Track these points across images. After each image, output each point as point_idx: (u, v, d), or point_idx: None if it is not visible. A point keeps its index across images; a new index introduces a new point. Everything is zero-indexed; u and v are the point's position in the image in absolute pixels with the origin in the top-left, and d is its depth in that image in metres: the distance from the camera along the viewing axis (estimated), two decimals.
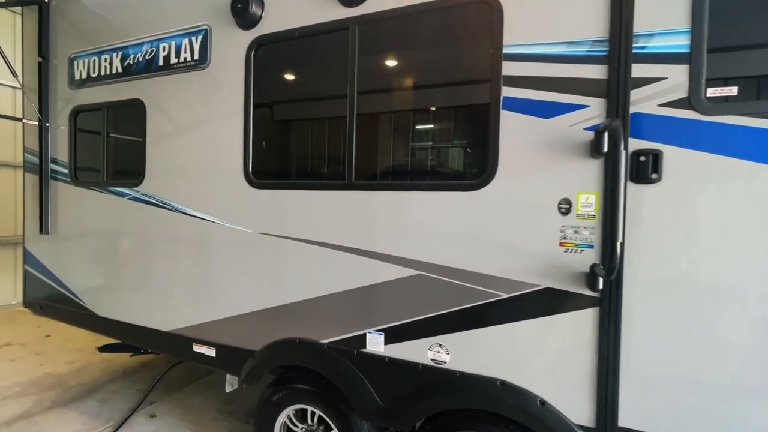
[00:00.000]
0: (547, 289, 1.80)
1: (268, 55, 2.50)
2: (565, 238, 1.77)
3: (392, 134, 2.28)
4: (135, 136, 3.10)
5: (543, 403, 1.82)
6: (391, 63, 2.21)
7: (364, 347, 2.21)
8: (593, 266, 1.68)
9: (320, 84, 2.48)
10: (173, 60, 2.81)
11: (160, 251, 2.93)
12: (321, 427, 2.48)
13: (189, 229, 2.77)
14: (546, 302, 1.81)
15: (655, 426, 1.65)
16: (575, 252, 1.75)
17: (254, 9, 2.41)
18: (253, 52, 2.50)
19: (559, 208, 1.78)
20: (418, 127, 2.21)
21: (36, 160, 3.54)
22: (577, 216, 1.75)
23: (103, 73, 3.16)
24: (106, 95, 3.16)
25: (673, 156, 1.60)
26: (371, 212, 2.17)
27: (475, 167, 2.00)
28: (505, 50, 1.86)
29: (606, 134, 1.60)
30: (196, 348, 2.78)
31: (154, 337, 2.98)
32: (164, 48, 2.85)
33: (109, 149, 3.21)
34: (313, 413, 2.49)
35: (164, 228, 2.89)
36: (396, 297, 2.12)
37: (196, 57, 2.72)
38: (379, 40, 2.18)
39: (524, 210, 1.84)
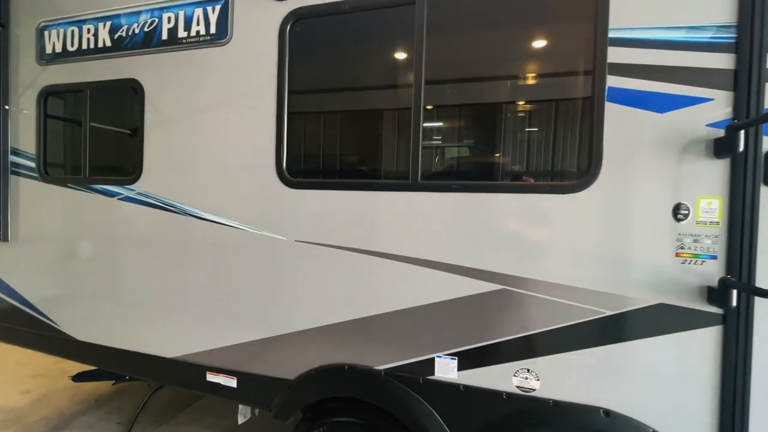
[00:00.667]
0: (660, 306, 1.60)
1: (308, 32, 2.12)
2: (682, 248, 1.57)
3: (467, 129, 1.99)
4: (128, 124, 2.59)
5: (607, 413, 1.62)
6: (467, 46, 1.93)
7: (432, 374, 1.91)
8: (724, 279, 1.49)
9: (375, 69, 2.14)
10: (181, 33, 2.35)
11: (163, 262, 2.45)
12: None
13: (202, 235, 2.32)
14: (658, 320, 1.60)
15: None
16: (695, 263, 1.56)
17: None
18: (289, 27, 2.11)
19: (675, 215, 1.58)
20: (499, 121, 1.94)
21: None
22: (698, 223, 1.55)
23: (85, 46, 2.61)
24: (89, 74, 2.61)
25: None
26: (442, 217, 1.87)
27: (574, 167, 1.76)
28: (611, 34, 1.64)
29: (742, 132, 1.42)
30: (212, 377, 2.33)
31: (154, 366, 2.48)
32: (169, 19, 2.38)
33: (93, 139, 2.66)
34: None
35: (169, 234, 2.42)
36: (473, 315, 1.84)
37: (212, 30, 2.28)
38: (452, 20, 1.88)
39: (632, 216, 1.63)
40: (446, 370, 1.89)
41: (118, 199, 2.54)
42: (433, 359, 1.91)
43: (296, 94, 2.15)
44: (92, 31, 2.58)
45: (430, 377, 1.91)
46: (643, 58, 1.60)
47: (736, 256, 1.49)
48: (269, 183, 2.17)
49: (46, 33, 2.72)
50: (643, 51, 1.60)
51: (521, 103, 1.91)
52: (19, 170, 2.87)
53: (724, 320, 1.53)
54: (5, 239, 2.86)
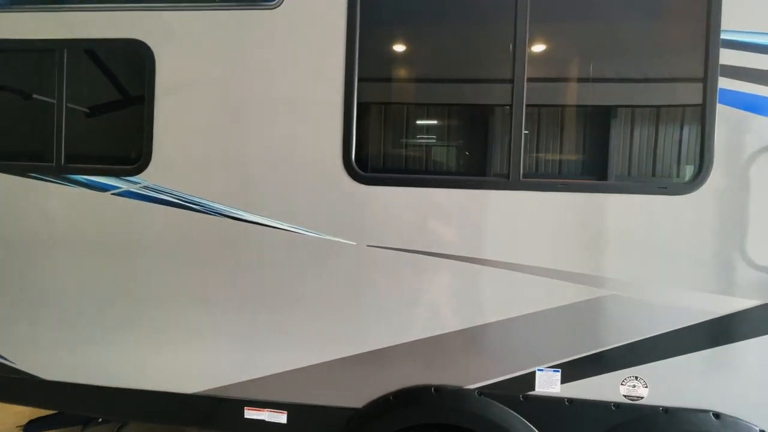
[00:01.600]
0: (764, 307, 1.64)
1: (382, 6, 1.83)
2: None
3: (573, 126, 1.87)
4: (125, 97, 2.02)
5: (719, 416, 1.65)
6: (574, 44, 1.79)
7: (533, 389, 1.75)
8: None
9: (466, 58, 1.90)
10: None
11: (181, 275, 1.94)
12: None
13: (241, 241, 1.88)
14: (766, 319, 1.64)
15: None
16: None
17: None
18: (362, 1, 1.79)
19: None
20: (606, 121, 1.84)
21: None
22: None
23: None
24: (64, 28, 1.97)
25: None
26: (546, 218, 1.73)
27: (685, 169, 1.73)
28: (724, 36, 1.63)
29: None
30: (252, 414, 1.90)
31: (166, 405, 1.96)
32: None
33: (70, 116, 2.01)
34: None
35: (191, 239, 1.92)
36: (579, 324, 1.73)
37: None
38: (558, 10, 1.74)
39: (743, 218, 1.64)
40: (548, 383, 1.75)
41: (113, 194, 1.96)
42: (533, 373, 1.75)
43: (367, 79, 1.84)
44: None
45: (530, 393, 1.76)
46: (755, 62, 1.63)
47: None
48: (334, 177, 1.83)
49: None
50: (755, 55, 1.62)
51: (630, 103, 1.84)
52: None
53: None
54: None
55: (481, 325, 1.77)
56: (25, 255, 2.04)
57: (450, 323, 1.79)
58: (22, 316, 2.05)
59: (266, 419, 1.90)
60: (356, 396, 1.86)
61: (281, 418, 1.89)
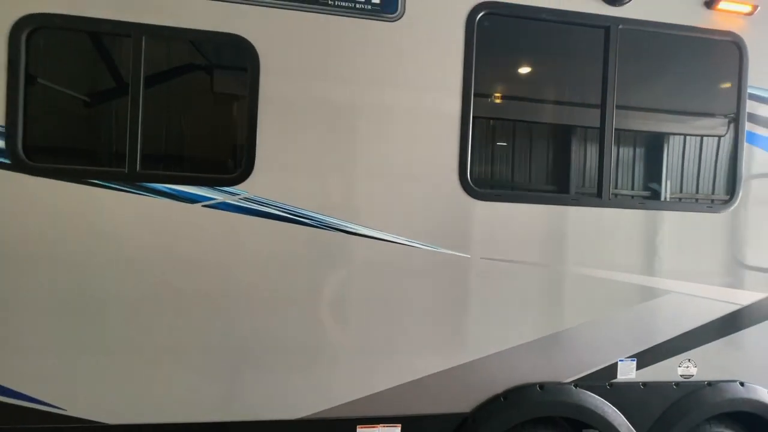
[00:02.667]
0: None
1: (496, 29, 1.94)
2: None
3: (648, 151, 2.19)
4: (222, 96, 1.80)
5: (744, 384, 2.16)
6: (647, 81, 2.11)
7: (615, 377, 2.05)
8: None
9: (564, 84, 2.10)
10: None
11: (284, 292, 1.80)
12: None
13: (357, 256, 1.83)
14: None
15: None
16: None
17: None
18: (477, 19, 1.89)
19: None
20: (666, 148, 2.20)
21: None
22: None
23: None
24: (146, 11, 1.68)
25: None
26: (628, 232, 2.03)
27: (721, 192, 2.17)
28: (750, 90, 2.11)
29: None
30: (364, 431, 1.87)
31: None
32: None
33: (147, 114, 1.71)
34: None
35: (299, 255, 1.80)
36: (650, 319, 2.07)
37: (375, 0, 1.82)
38: (638, 52, 2.05)
39: (759, 230, 2.14)
40: (627, 371, 2.06)
41: (204, 205, 1.74)
42: (616, 363, 2.05)
43: (482, 97, 1.95)
44: None
45: (613, 381, 2.05)
46: None
47: None
48: (450, 192, 1.89)
49: None
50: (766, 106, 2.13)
51: (685, 135, 2.23)
52: None
53: None
54: None
55: (577, 326, 2.01)
56: (81, 281, 1.69)
57: (552, 326, 1.99)
58: (76, 355, 1.69)
59: None
60: (465, 401, 1.95)
61: (395, 431, 1.89)
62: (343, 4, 1.80)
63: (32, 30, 1.64)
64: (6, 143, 1.63)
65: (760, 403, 2.13)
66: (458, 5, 1.88)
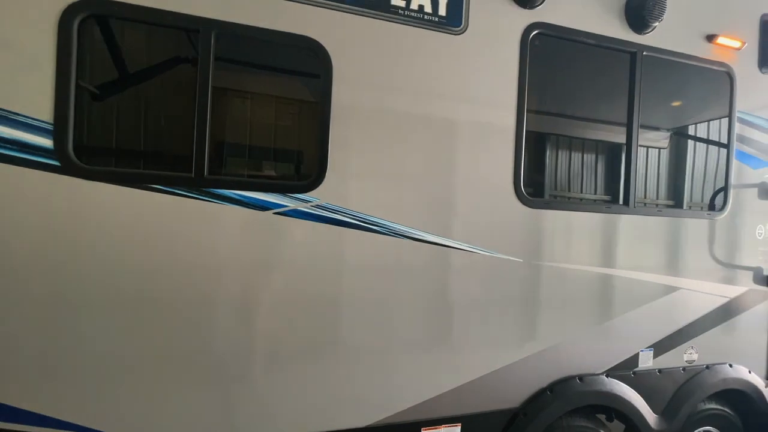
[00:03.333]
0: (751, 290, 2.55)
1: (545, 48, 2.07)
2: (762, 255, 2.56)
3: (667, 164, 2.45)
4: (288, 101, 1.73)
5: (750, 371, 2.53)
6: (661, 105, 2.38)
7: (637, 366, 2.29)
8: None
9: (598, 103, 2.28)
10: (398, 1, 1.80)
11: (356, 300, 1.78)
12: None
13: (421, 262, 1.86)
14: (751, 298, 2.54)
15: None
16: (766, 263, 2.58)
17: None
18: (530, 38, 2.01)
19: (758, 234, 2.55)
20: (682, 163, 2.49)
21: None
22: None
23: None
24: (217, 5, 1.57)
25: None
26: (652, 235, 2.28)
27: (716, 201, 2.50)
28: (738, 114, 2.46)
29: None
30: None
31: None
32: None
33: (208, 112, 1.59)
34: None
35: (369, 261, 1.79)
36: (664, 313, 2.34)
37: (442, 12, 1.86)
38: (658, 78, 2.29)
39: (741, 234, 2.51)
40: (646, 360, 2.31)
41: (276, 213, 1.67)
42: (637, 354, 2.29)
43: (533, 112, 2.07)
44: None
45: (636, 369, 2.29)
46: (750, 133, 2.51)
47: None
48: (506, 202, 2.00)
49: None
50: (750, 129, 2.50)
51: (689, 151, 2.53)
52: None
53: None
54: None
55: (610, 321, 2.22)
56: (134, 292, 1.54)
57: (589, 322, 2.18)
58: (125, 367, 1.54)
59: None
60: (515, 397, 2.07)
61: (455, 431, 1.96)
62: (413, 14, 1.83)
63: (85, 17, 1.47)
64: (54, 143, 1.44)
65: (744, 381, 2.50)
66: (515, 23, 1.98)
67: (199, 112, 1.57)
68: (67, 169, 1.45)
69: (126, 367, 1.53)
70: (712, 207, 2.51)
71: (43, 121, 1.44)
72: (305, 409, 1.74)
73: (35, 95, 1.43)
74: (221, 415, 1.64)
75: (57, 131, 1.44)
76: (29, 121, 1.43)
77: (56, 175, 1.45)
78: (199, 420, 1.61)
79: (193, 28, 1.57)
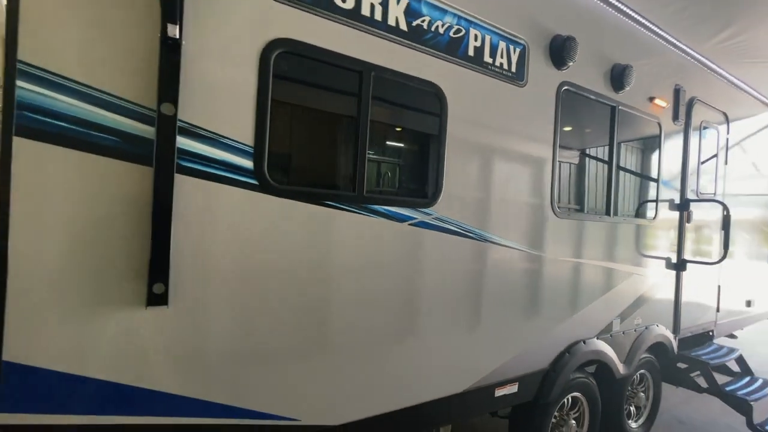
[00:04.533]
0: (665, 274, 3.70)
1: (569, 101, 2.79)
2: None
3: (627, 186, 3.37)
4: (415, 133, 2.09)
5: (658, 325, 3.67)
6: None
7: (612, 330, 3.19)
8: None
9: (597, 139, 3.09)
10: (487, 58, 2.31)
11: (457, 289, 2.25)
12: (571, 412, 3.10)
13: (495, 259, 2.41)
14: (665, 279, 3.69)
15: None
16: None
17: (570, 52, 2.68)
18: (561, 92, 2.71)
19: None
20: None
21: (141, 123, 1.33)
22: None
23: (366, 12, 1.85)
24: (373, 52, 1.87)
25: None
26: (627, 236, 3.20)
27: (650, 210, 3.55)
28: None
29: None
30: (500, 392, 2.47)
31: (443, 409, 2.21)
32: (476, 37, 2.25)
33: (366, 141, 1.87)
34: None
35: (466, 260, 2.27)
36: (625, 292, 3.29)
37: (513, 69, 2.44)
38: (626, 124, 3.22)
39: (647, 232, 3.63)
40: (617, 325, 3.24)
41: (409, 224, 2.04)
42: (612, 321, 3.20)
43: (560, 148, 2.78)
44: None
45: (611, 332, 3.19)
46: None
47: None
48: (546, 214, 2.67)
49: None
50: (666, 162, 3.64)
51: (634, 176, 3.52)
52: (200, 167, 1.50)
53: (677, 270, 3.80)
54: (163, 301, 1.42)
55: (600, 298, 3.06)
56: (313, 290, 1.78)
57: (589, 299, 2.99)
58: (308, 365, 1.77)
59: (507, 393, 2.52)
60: (546, 359, 2.77)
61: (515, 388, 2.56)
62: (496, 69, 2.36)
63: (279, 53, 1.66)
64: (255, 165, 1.62)
65: (664, 335, 3.63)
66: (553, 80, 2.66)
67: (360, 141, 1.88)
68: (263, 187, 1.64)
69: (306, 356, 1.77)
70: (642, 215, 3.59)
71: (245, 144, 1.60)
72: (424, 378, 2.16)
73: (240, 120, 1.59)
74: (369, 384, 1.96)
75: (256, 154, 1.62)
76: (235, 143, 1.58)
77: (255, 192, 1.63)
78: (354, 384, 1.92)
79: (357, 69, 1.86)
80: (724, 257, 3.70)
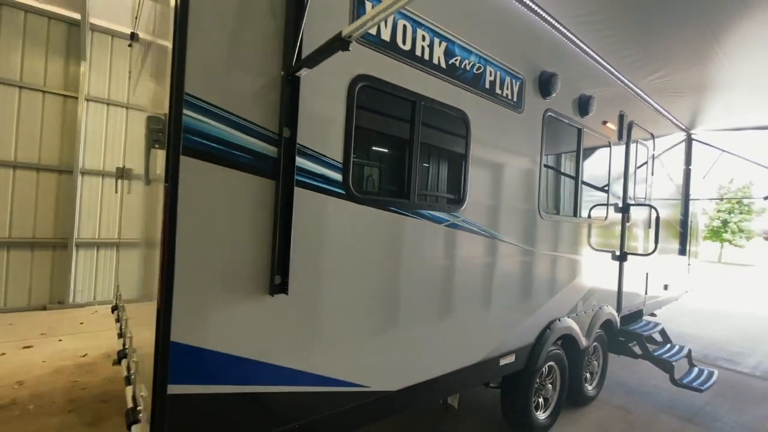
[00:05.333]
0: (611, 263, 4.56)
1: (550, 125, 3.42)
2: None
3: (585, 194, 4.10)
4: (448, 151, 2.54)
5: (607, 306, 4.54)
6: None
7: (577, 310, 3.93)
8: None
9: (570, 154, 3.76)
10: (497, 90, 2.84)
11: (477, 279, 2.75)
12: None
13: (501, 252, 2.96)
14: (611, 267, 4.55)
15: None
16: None
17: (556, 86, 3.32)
18: (546, 117, 3.34)
19: None
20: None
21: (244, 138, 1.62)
22: None
23: (418, 53, 2.26)
24: (422, 86, 2.29)
25: None
26: (577, 235, 3.94)
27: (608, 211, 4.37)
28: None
29: None
30: (503, 361, 3.03)
31: (461, 376, 2.70)
32: (491, 72, 2.77)
33: (418, 158, 2.29)
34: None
35: (483, 254, 2.78)
36: (585, 278, 4.05)
37: (514, 99, 3.00)
38: (589, 143, 3.96)
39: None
40: (580, 306, 3.98)
41: (445, 225, 2.50)
42: (577, 303, 3.93)
43: (545, 165, 3.41)
44: (427, 40, 2.32)
45: (576, 312, 3.92)
46: None
47: None
48: (536, 215, 3.28)
49: (369, 4, 2.01)
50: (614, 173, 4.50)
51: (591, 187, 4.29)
52: (308, 180, 1.82)
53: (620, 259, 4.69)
54: (284, 290, 1.72)
55: (571, 283, 3.77)
56: (383, 283, 2.17)
57: (563, 284, 3.67)
58: (374, 341, 2.15)
59: (508, 362, 3.09)
60: (532, 335, 3.39)
61: (513, 358, 3.14)
62: (504, 99, 2.91)
63: (359, 87, 2.03)
64: (343, 178, 1.97)
65: (611, 314, 4.49)
66: (541, 107, 3.28)
67: (412, 158, 2.30)
68: (348, 196, 2.00)
69: (379, 334, 2.16)
70: (597, 216, 4.40)
71: (337, 161, 1.95)
72: (456, 349, 2.64)
73: (334, 141, 1.93)
74: (420, 355, 2.40)
75: (344, 169, 1.97)
76: (330, 161, 1.92)
77: (342, 200, 1.98)
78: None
79: (412, 99, 2.28)
80: (655, 250, 4.65)
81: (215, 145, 1.58)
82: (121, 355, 2.70)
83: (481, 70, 2.72)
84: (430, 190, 2.55)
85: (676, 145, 6.47)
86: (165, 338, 1.47)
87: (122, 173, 4.09)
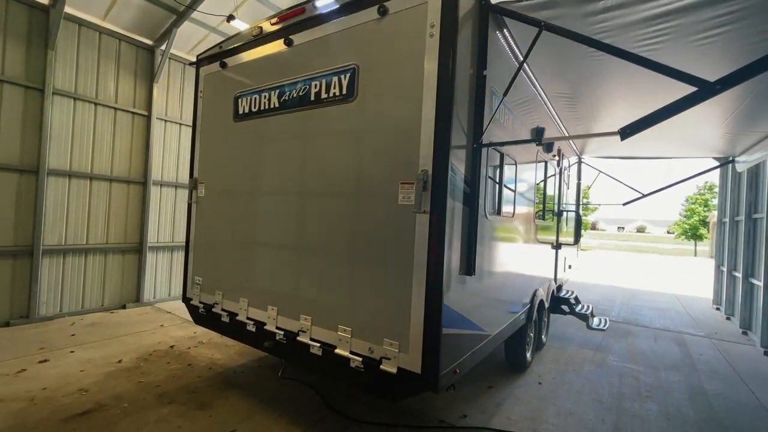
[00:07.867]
0: (569, 250, 6.63)
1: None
2: None
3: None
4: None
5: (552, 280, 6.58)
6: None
7: (543, 283, 5.78)
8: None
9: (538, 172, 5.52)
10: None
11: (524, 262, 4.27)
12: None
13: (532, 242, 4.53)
14: (568, 254, 6.62)
15: None
16: None
17: None
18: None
19: None
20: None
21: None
22: None
23: (503, 121, 3.61)
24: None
25: None
26: (545, 231, 5.81)
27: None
28: None
29: None
30: (519, 319, 4.61)
31: (512, 324, 4.18)
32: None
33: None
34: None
35: (511, 230, 4.30)
36: (546, 261, 5.95)
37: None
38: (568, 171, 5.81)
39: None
40: (545, 280, 5.86)
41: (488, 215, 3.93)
42: (544, 278, 5.78)
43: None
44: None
45: (543, 284, 5.77)
46: None
47: None
48: (535, 220, 4.95)
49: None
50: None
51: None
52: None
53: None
54: (471, 272, 2.92)
55: (542, 263, 5.57)
56: (495, 265, 3.48)
57: (541, 263, 5.45)
58: (491, 301, 3.47)
59: (519, 318, 4.68)
60: (527, 297, 5.07)
61: (524, 316, 4.75)
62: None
63: (487, 145, 3.29)
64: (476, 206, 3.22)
65: (554, 285, 6.53)
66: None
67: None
68: (485, 216, 3.26)
69: (495, 301, 3.49)
70: (548, 218, 6.36)
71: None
72: (515, 307, 4.11)
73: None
74: (503, 311, 3.80)
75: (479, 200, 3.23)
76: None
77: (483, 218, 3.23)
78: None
79: (500, 152, 3.63)
80: (577, 242, 6.86)
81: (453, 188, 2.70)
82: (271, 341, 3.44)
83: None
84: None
85: (572, 165, 9.11)
86: (438, 303, 2.56)
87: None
